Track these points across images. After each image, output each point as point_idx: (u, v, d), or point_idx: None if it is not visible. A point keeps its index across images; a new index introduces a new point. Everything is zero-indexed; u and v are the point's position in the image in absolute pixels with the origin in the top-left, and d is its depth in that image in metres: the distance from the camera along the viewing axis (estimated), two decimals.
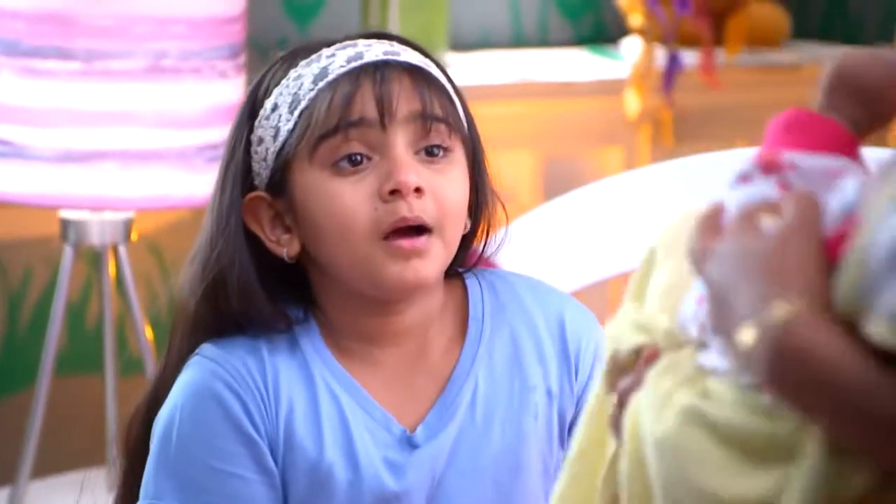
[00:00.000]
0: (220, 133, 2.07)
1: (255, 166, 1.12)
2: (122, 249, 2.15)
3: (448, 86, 1.14)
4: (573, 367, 1.16)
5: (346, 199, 1.09)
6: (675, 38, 2.50)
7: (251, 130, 1.12)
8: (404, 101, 1.10)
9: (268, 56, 2.80)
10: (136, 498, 1.13)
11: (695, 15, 2.50)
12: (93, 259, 2.41)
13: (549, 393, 1.15)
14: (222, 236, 1.11)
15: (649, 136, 2.51)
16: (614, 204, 1.59)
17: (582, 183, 1.70)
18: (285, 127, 1.10)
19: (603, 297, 2.54)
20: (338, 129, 1.09)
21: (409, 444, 1.12)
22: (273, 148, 1.11)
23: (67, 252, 2.14)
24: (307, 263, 1.13)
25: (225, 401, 1.10)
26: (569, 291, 1.60)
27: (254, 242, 1.13)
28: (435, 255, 1.10)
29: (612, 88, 2.49)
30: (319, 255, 1.12)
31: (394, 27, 2.49)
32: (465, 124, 1.15)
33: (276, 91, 1.12)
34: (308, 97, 1.10)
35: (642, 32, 2.54)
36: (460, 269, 1.18)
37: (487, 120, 2.59)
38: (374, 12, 2.50)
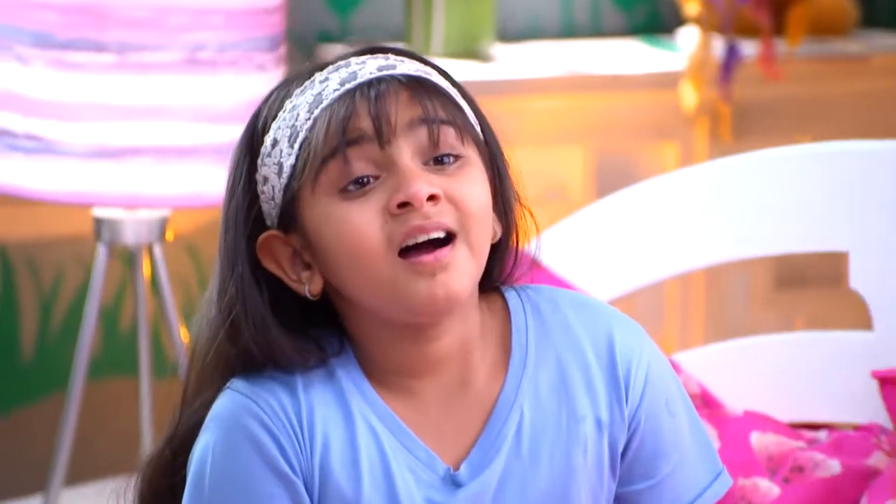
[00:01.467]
0: None
1: (265, 206, 1.11)
2: (157, 249, 2.15)
3: (454, 91, 1.12)
4: (623, 393, 1.13)
5: (354, 219, 1.07)
6: (734, 28, 2.47)
7: (253, 169, 1.11)
8: (403, 110, 1.08)
9: (309, 48, 2.78)
10: None
11: (754, 3, 2.48)
12: (127, 259, 2.41)
13: (598, 423, 1.12)
14: (231, 280, 1.10)
15: (706, 131, 2.49)
16: (669, 202, 1.57)
17: (635, 180, 1.68)
18: (288, 162, 1.09)
19: (658, 300, 2.52)
20: (336, 152, 1.07)
21: (454, 482, 1.10)
22: (279, 185, 1.10)
23: (101, 252, 2.14)
24: (334, 298, 1.11)
25: (258, 439, 1.08)
26: (621, 294, 1.58)
27: (274, 281, 1.11)
28: (462, 266, 1.08)
29: (667, 81, 2.47)
30: (343, 286, 1.09)
31: (439, 17, 2.48)
32: (480, 129, 1.13)
33: (273, 125, 1.11)
34: (305, 127, 1.09)
35: (699, 22, 2.51)
36: (499, 285, 1.15)
37: (536, 114, 2.59)
38: (418, 2, 2.49)
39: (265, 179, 1.11)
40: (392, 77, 1.09)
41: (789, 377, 1.52)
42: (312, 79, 1.11)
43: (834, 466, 1.44)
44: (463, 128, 1.10)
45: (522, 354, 1.13)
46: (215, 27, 2.01)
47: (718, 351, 1.55)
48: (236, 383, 1.11)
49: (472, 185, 1.09)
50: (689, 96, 2.45)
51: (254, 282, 1.10)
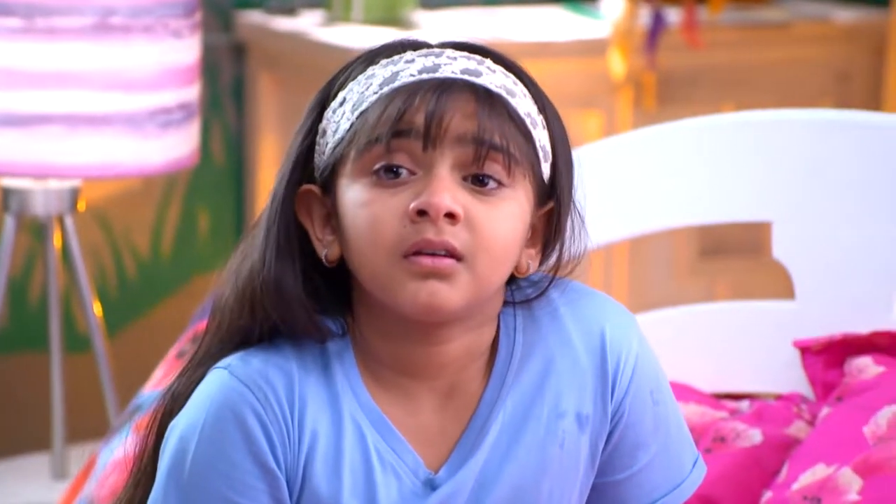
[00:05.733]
0: (174, 96, 2.08)
1: (316, 158, 1.13)
2: (68, 220, 2.15)
3: (531, 120, 1.11)
4: (610, 386, 1.14)
5: (376, 211, 1.08)
6: None
7: (320, 119, 1.13)
8: (460, 120, 1.08)
9: (225, 15, 2.76)
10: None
11: None
12: (36, 230, 2.40)
13: (579, 418, 1.14)
14: (269, 215, 1.11)
15: (631, 100, 2.52)
16: (593, 172, 1.60)
17: None
18: (344, 125, 1.11)
19: (582, 270, 2.55)
20: (381, 138, 1.08)
21: (431, 486, 1.12)
22: (331, 143, 1.11)
23: (9, 223, 2.13)
24: (354, 277, 1.12)
25: (250, 430, 1.09)
26: None
27: (303, 241, 1.12)
28: (459, 283, 1.08)
29: (591, 49, 2.50)
30: (351, 264, 1.11)
31: None
32: (552, 163, 1.12)
33: (349, 86, 1.12)
34: (370, 100, 1.10)
35: None
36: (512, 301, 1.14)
37: None
38: None
39: (323, 132, 1.12)
40: (468, 84, 1.09)
41: (711, 347, 1.55)
42: (401, 56, 1.12)
43: (755, 436, 1.48)
44: (515, 160, 1.09)
45: (509, 352, 1.13)
46: None
47: (641, 321, 1.57)
48: (235, 365, 1.11)
49: (500, 219, 1.09)
50: (617, 64, 2.48)
51: (294, 224, 1.11)
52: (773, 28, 2.63)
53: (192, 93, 2.09)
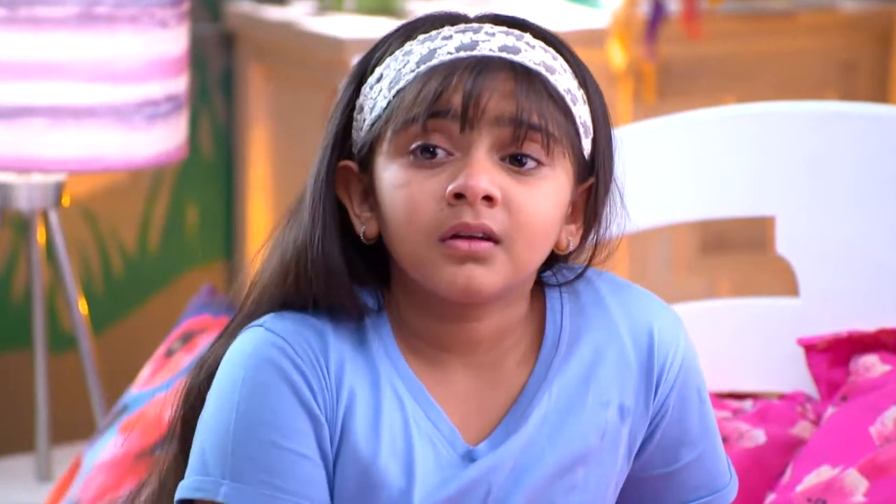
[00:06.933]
0: (161, 88, 2.07)
1: (354, 134, 1.13)
2: (52, 215, 2.14)
3: (571, 96, 1.11)
4: (654, 384, 1.15)
5: (413, 193, 1.09)
6: None
7: (358, 94, 1.13)
8: (498, 101, 1.09)
9: (213, 4, 2.75)
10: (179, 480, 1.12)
11: None
12: (20, 225, 2.40)
13: (621, 409, 1.15)
14: (312, 192, 1.12)
15: (630, 91, 2.52)
16: None
17: None
18: (381, 103, 1.11)
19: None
20: (418, 118, 1.09)
21: (470, 458, 1.13)
22: (368, 120, 1.12)
23: None
24: (389, 252, 1.13)
25: (291, 376, 1.10)
26: None
27: (342, 216, 1.13)
28: (496, 267, 1.09)
29: (589, 39, 2.49)
30: (388, 242, 1.12)
31: None
32: (593, 139, 1.13)
33: (386, 61, 1.12)
34: (406, 78, 1.11)
35: None
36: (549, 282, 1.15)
37: None
38: None
39: (360, 108, 1.13)
40: (507, 62, 1.10)
41: (713, 345, 1.55)
42: (439, 31, 1.12)
43: (759, 436, 1.47)
44: (555, 138, 1.10)
45: (556, 336, 1.15)
46: None
47: None
48: (268, 321, 1.12)
49: (538, 199, 1.10)
50: (617, 55, 2.48)
51: (333, 202, 1.12)
52: (776, 17, 2.62)
53: (179, 84, 2.08)
